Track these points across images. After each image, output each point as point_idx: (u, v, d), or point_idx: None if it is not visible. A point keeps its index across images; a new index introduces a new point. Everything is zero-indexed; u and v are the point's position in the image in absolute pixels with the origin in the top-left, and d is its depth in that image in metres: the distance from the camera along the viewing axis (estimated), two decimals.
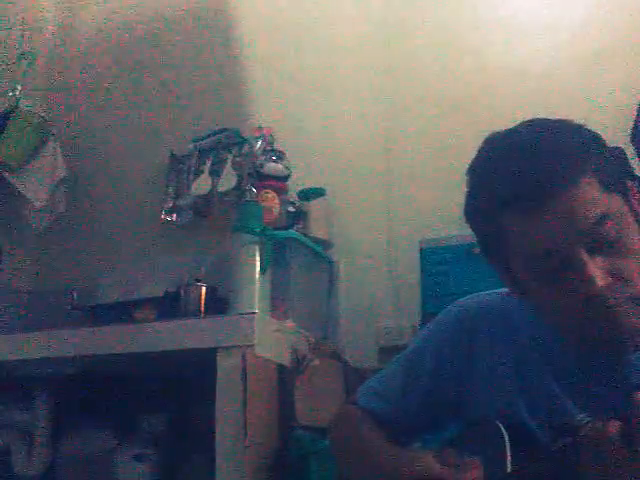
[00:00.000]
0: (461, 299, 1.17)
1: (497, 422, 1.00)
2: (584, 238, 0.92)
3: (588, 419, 0.96)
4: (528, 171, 0.94)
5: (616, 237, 0.93)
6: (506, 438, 0.97)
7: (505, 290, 1.12)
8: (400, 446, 1.11)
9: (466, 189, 1.03)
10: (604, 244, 0.93)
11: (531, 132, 0.99)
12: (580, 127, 0.99)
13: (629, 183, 0.99)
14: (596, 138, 0.99)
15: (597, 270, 0.92)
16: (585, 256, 0.92)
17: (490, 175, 0.98)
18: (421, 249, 2.00)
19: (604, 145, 1.00)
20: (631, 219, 0.96)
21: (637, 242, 0.95)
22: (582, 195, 0.92)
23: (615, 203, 0.95)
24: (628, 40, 2.14)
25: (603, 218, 0.93)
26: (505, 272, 1.03)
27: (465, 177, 1.03)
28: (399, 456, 1.04)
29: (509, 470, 0.95)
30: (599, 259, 0.93)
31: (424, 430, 1.21)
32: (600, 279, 0.92)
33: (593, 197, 0.93)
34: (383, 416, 1.17)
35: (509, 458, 0.96)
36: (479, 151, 1.02)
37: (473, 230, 1.05)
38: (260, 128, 2.36)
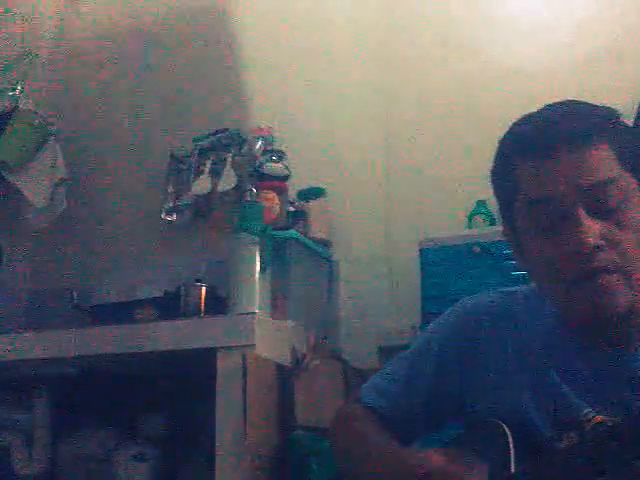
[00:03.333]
0: (466, 298, 1.18)
1: (500, 422, 1.00)
2: (585, 195, 0.95)
3: (594, 414, 0.96)
4: (551, 121, 0.99)
5: (617, 206, 0.96)
6: (510, 438, 0.97)
7: (510, 289, 1.13)
8: (402, 445, 1.10)
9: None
10: (603, 209, 0.95)
11: (568, 101, 1.05)
12: (616, 112, 1.03)
13: None
14: (630, 127, 1.05)
15: (591, 229, 0.94)
16: (582, 213, 0.95)
17: (516, 127, 1.05)
18: (421, 249, 2.00)
19: (635, 134, 1.04)
20: (638, 199, 0.98)
21: (638, 219, 0.97)
22: (595, 156, 0.96)
23: (626, 179, 0.97)
24: (628, 40, 2.14)
25: (607, 182, 0.95)
26: (514, 238, 1.06)
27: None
28: (405, 454, 1.04)
29: (513, 470, 0.95)
30: (596, 222, 0.95)
31: (427, 429, 1.21)
32: (592, 238, 0.93)
33: (604, 161, 0.96)
34: (386, 414, 1.16)
35: (513, 458, 0.95)
36: None
37: (494, 191, 1.09)
38: (260, 128, 2.36)
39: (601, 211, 0.95)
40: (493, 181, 1.08)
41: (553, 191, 0.96)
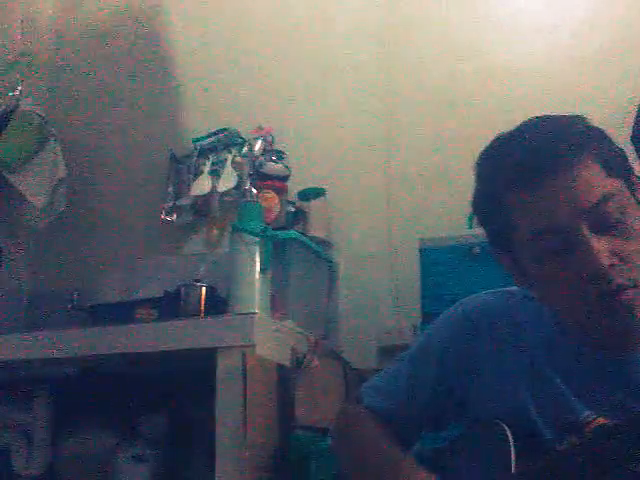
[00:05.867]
0: (466, 298, 1.17)
1: (501, 423, 1.00)
2: (587, 217, 0.93)
3: (594, 416, 0.96)
4: (531, 150, 0.96)
5: (618, 218, 0.94)
6: (510, 438, 0.97)
7: (510, 289, 1.12)
8: (403, 447, 1.10)
9: (474, 180, 1.05)
10: (607, 225, 0.94)
11: (536, 120, 1.02)
12: (584, 118, 1.01)
13: (634, 178, 1.00)
14: (600, 129, 1.01)
15: (601, 249, 0.92)
16: (588, 234, 0.93)
17: (496, 158, 1.02)
18: (421, 249, 2.00)
19: (607, 136, 1.01)
20: (633, 204, 0.97)
21: (639, 226, 0.96)
22: (584, 175, 0.94)
23: (617, 186, 0.96)
24: (628, 40, 2.14)
25: (605, 198, 0.94)
26: (512, 262, 1.04)
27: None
28: (406, 468, 1.04)
29: (514, 471, 0.95)
30: (603, 240, 0.93)
31: (427, 430, 1.21)
32: (605, 258, 0.92)
33: (595, 178, 0.95)
34: (387, 415, 1.16)
35: (514, 459, 0.95)
36: (488, 144, 1.04)
37: (481, 221, 1.07)
38: (260, 128, 2.36)
39: (605, 227, 0.94)
40: (478, 212, 1.06)
41: (553, 219, 0.94)
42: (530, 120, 1.02)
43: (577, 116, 1.01)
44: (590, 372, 1.01)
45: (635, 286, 0.93)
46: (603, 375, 1.00)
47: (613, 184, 0.95)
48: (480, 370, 1.09)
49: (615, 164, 0.97)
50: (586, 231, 0.93)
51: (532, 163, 0.95)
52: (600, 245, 0.93)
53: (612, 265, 0.92)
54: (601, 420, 0.95)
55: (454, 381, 1.11)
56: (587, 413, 0.98)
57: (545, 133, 0.98)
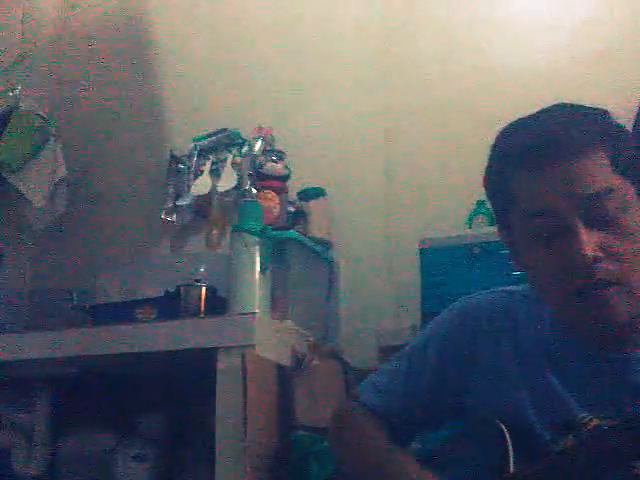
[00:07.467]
0: (465, 297, 1.17)
1: (499, 422, 1.00)
2: (583, 207, 0.94)
3: (590, 417, 0.96)
4: (543, 133, 0.97)
5: (615, 216, 0.94)
6: (508, 438, 0.97)
7: (510, 288, 1.13)
8: (400, 446, 1.10)
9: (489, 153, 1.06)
10: (602, 220, 0.94)
11: (559, 106, 1.03)
12: (608, 113, 1.02)
13: None
14: (621, 126, 1.02)
15: (589, 241, 0.93)
16: (580, 225, 0.93)
17: (509, 135, 1.03)
18: (421, 249, 2.00)
19: (628, 136, 1.02)
20: (637, 206, 0.97)
21: (637, 227, 0.96)
22: (590, 166, 0.94)
23: (623, 186, 0.96)
24: (628, 40, 2.14)
25: (606, 193, 0.94)
26: (510, 243, 1.05)
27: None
28: (403, 464, 1.04)
29: (512, 471, 0.95)
30: (594, 233, 0.93)
31: (425, 428, 1.21)
32: (590, 250, 0.92)
33: (601, 171, 0.95)
34: (384, 413, 1.16)
35: (512, 459, 0.95)
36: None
37: (487, 196, 1.08)
38: (260, 128, 2.36)
39: (599, 222, 0.94)
40: (487, 188, 1.08)
41: (550, 204, 0.95)
42: (554, 105, 1.03)
43: (600, 110, 1.02)
44: (588, 372, 1.01)
45: (618, 284, 0.93)
46: (600, 375, 1.00)
47: (618, 181, 0.95)
48: (478, 369, 1.09)
49: (627, 164, 0.97)
50: (578, 220, 0.94)
51: (540, 146, 0.96)
52: (589, 236, 0.93)
53: (596, 258, 0.92)
54: (597, 421, 0.95)
55: (452, 380, 1.12)
56: (584, 414, 0.98)
57: (561, 119, 0.99)
